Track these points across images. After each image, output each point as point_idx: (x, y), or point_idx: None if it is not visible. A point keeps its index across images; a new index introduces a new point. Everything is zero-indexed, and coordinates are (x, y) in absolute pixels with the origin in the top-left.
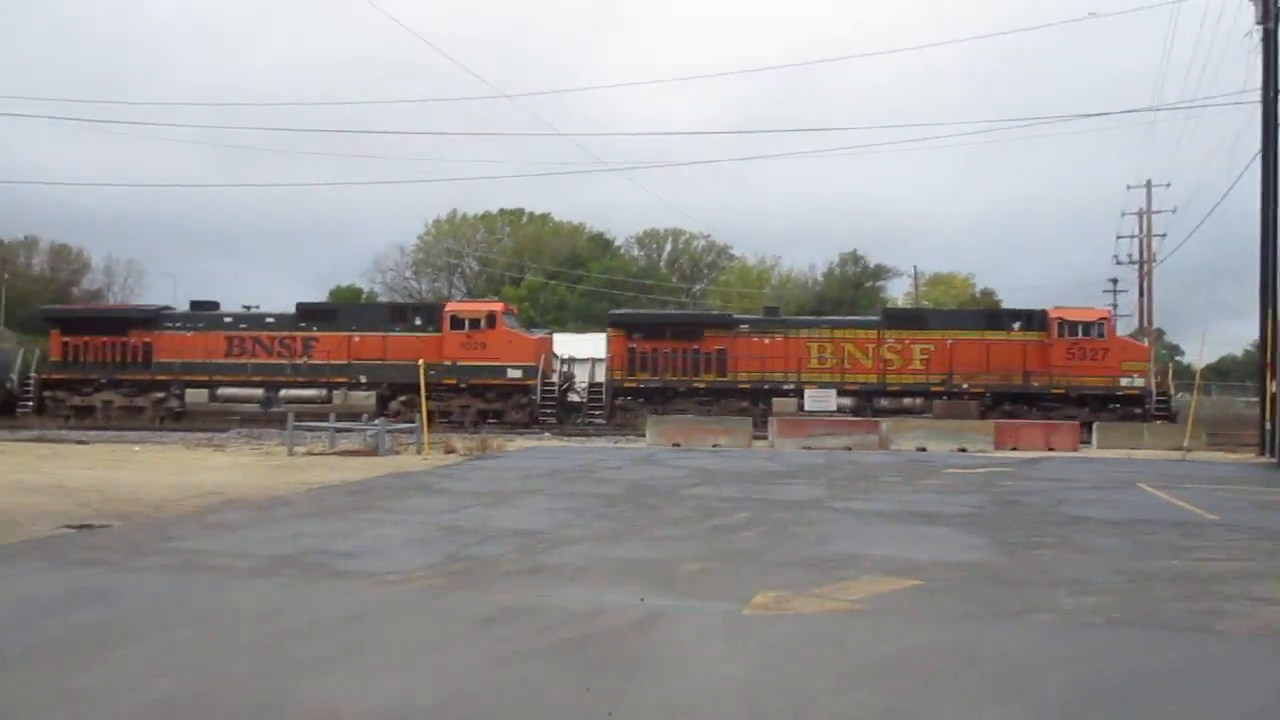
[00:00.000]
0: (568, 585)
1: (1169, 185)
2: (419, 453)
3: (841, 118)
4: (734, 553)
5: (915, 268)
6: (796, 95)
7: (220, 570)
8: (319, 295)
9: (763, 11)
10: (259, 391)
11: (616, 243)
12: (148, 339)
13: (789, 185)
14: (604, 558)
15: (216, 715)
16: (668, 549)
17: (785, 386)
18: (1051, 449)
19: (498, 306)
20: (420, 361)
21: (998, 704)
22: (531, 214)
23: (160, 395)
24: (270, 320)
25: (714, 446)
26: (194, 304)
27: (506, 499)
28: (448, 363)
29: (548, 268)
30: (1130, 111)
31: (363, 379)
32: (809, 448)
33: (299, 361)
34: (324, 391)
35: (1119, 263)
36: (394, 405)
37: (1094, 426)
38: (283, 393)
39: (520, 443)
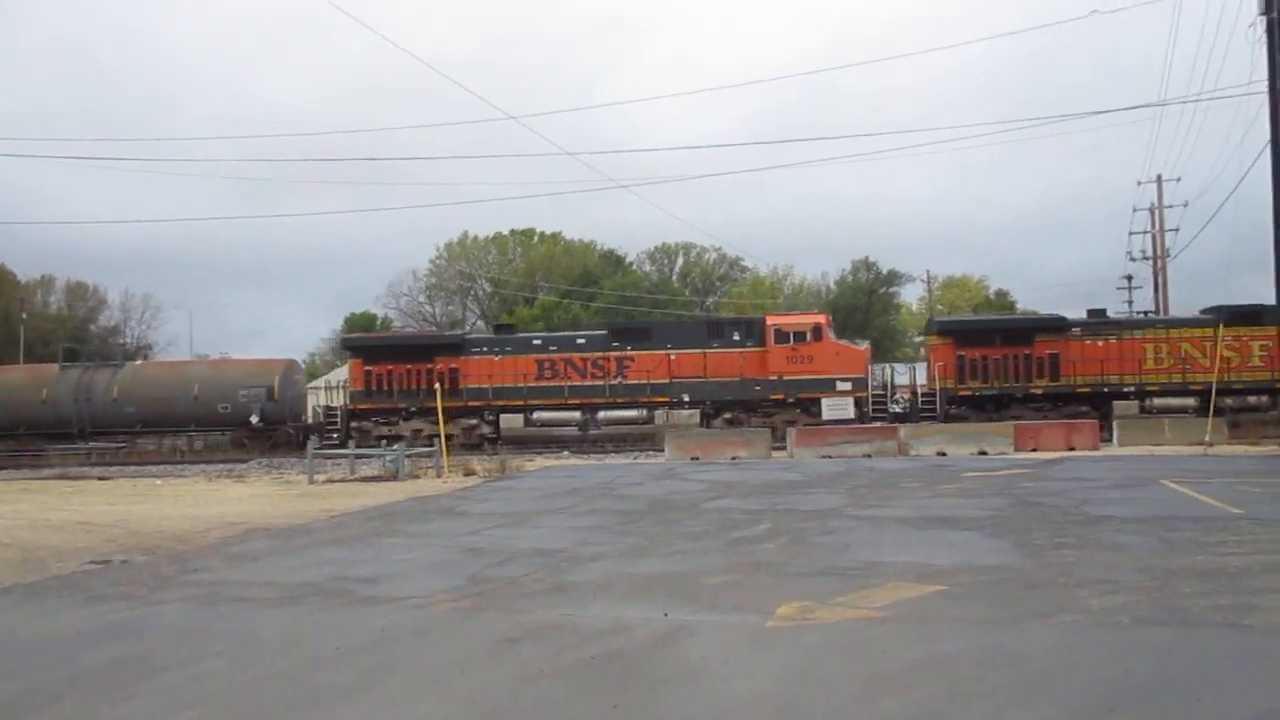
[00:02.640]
0: (591, 603)
1: (1179, 179)
2: (439, 476)
3: (848, 126)
4: (756, 564)
5: (928, 272)
6: (805, 106)
7: (244, 601)
8: (335, 322)
9: (767, 26)
10: (576, 414)
11: (628, 259)
12: (454, 365)
13: (799, 195)
14: (626, 574)
15: None
16: (690, 563)
17: (1125, 389)
18: (1072, 448)
19: (822, 318)
20: (436, 386)
21: (1026, 707)
22: (542, 234)
23: (472, 422)
24: (581, 341)
25: (733, 459)
26: (497, 328)
27: (528, 519)
28: (773, 377)
29: (560, 286)
30: (1137, 107)
31: (685, 397)
32: (828, 456)
33: (614, 382)
34: (644, 412)
35: (1133, 259)
36: (717, 422)
37: (1115, 423)
38: (601, 414)
39: (540, 462)
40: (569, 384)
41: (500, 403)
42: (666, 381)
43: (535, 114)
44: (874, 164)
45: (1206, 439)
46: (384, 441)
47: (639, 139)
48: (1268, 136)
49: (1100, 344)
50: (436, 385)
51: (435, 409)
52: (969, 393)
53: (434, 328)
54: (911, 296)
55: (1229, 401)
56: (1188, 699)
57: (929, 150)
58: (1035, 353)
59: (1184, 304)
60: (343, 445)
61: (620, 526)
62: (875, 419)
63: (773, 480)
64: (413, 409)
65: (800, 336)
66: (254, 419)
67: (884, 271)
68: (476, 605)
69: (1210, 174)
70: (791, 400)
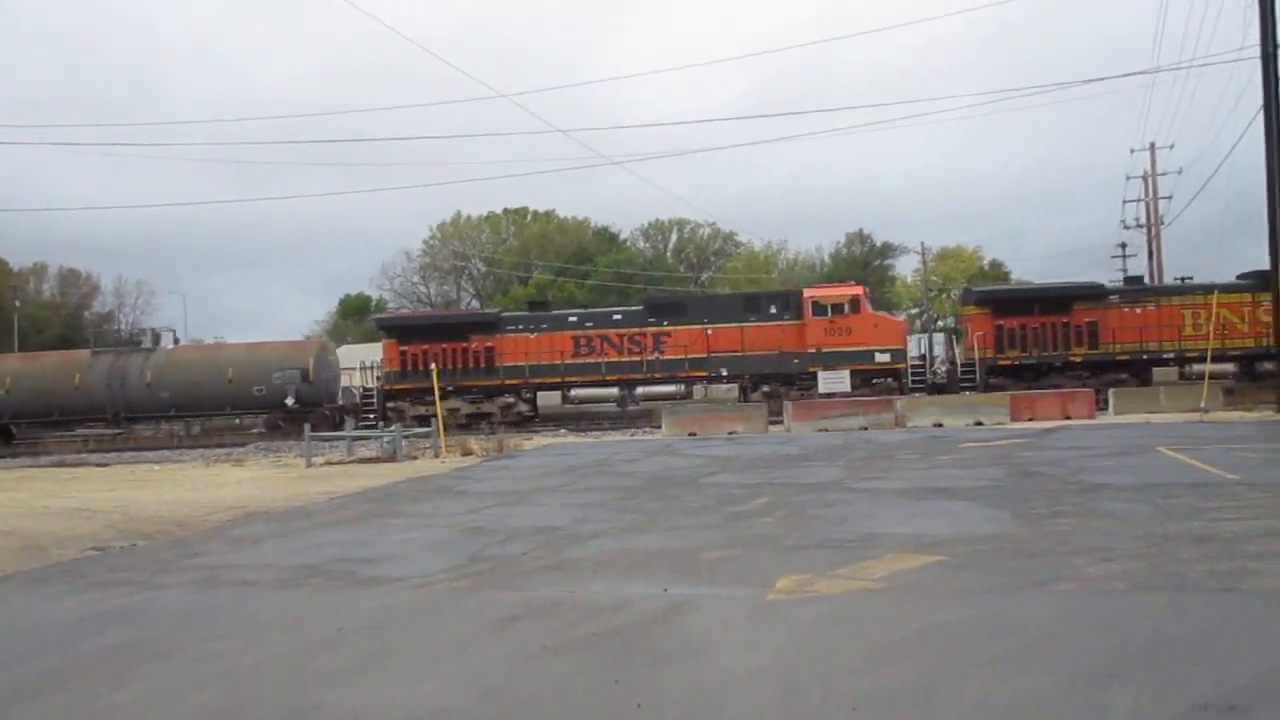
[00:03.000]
0: (591, 579)
1: (1173, 147)
2: (436, 456)
3: (841, 99)
4: (755, 538)
5: (923, 244)
6: (797, 79)
7: (245, 584)
8: (329, 304)
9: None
10: (614, 390)
11: (622, 236)
12: (489, 343)
13: (792, 168)
14: (625, 550)
15: None
16: (688, 538)
17: (1165, 356)
18: (1069, 418)
19: (860, 290)
20: (434, 366)
21: (1026, 674)
22: (535, 212)
23: (509, 400)
24: (618, 317)
25: (730, 434)
26: (531, 304)
27: (526, 497)
28: (811, 350)
29: (554, 264)
30: (1129, 75)
31: (723, 371)
32: (825, 430)
33: (651, 357)
34: (682, 387)
35: (1126, 227)
36: (756, 396)
37: (1110, 392)
38: (639, 390)
39: (538, 440)
40: (606, 360)
41: (537, 380)
42: (704, 356)
43: (527, 91)
44: (867, 136)
45: (1202, 405)
46: (420, 422)
47: (631, 115)
48: (1260, 102)
49: (1139, 311)
50: (434, 366)
51: (471, 387)
52: (1008, 362)
53: (429, 308)
54: (906, 269)
55: (1269, 366)
56: (1186, 664)
57: (922, 121)
58: (1074, 320)
59: (1180, 271)
60: (379, 426)
61: (619, 503)
62: (915, 390)
63: (770, 454)
64: (449, 388)
65: (838, 309)
66: (289, 401)
67: (878, 244)
68: (476, 584)
69: (1204, 141)
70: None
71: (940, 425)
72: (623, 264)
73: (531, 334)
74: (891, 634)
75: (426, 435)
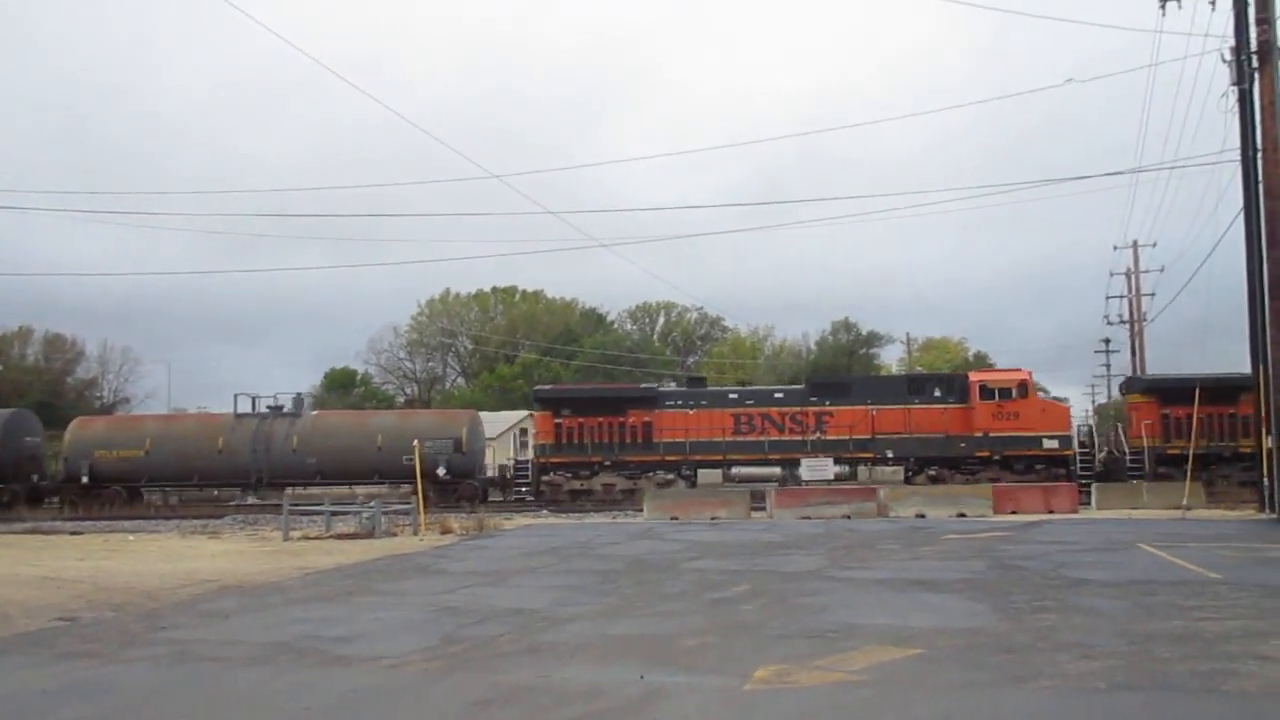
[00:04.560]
0: (567, 664)
1: (1155, 245)
2: (415, 534)
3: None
4: (734, 626)
5: (908, 334)
6: (789, 170)
7: (215, 660)
8: (314, 377)
9: (751, 91)
10: (776, 470)
11: (610, 317)
12: (647, 418)
13: (781, 255)
14: (603, 635)
15: None
16: (667, 624)
17: None
18: (1051, 511)
19: (1026, 375)
20: (416, 442)
21: None
22: (524, 291)
23: (669, 476)
24: (779, 396)
25: (712, 519)
26: (689, 380)
27: (504, 578)
28: (978, 434)
29: (541, 344)
30: (1113, 174)
31: (889, 453)
32: (807, 517)
33: (813, 437)
34: (846, 468)
35: (1110, 323)
36: (920, 479)
37: (1094, 487)
38: (803, 470)
39: (519, 520)
40: (768, 439)
41: (698, 457)
42: (869, 437)
43: (518, 173)
44: (856, 226)
45: (1184, 503)
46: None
47: (621, 198)
48: (1240, 205)
49: None
50: (416, 442)
51: (628, 462)
52: (1176, 451)
53: (415, 384)
54: (891, 358)
55: None
56: None
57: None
58: (1239, 411)
59: (1162, 369)
60: (533, 500)
61: (598, 586)
62: (1083, 478)
63: (752, 541)
64: (605, 462)
65: (1005, 393)
66: (441, 471)
67: (864, 332)
68: (450, 666)
69: (1186, 239)
70: (997, 458)
71: (923, 516)
72: (609, 345)
73: (690, 410)
74: None
75: (406, 512)
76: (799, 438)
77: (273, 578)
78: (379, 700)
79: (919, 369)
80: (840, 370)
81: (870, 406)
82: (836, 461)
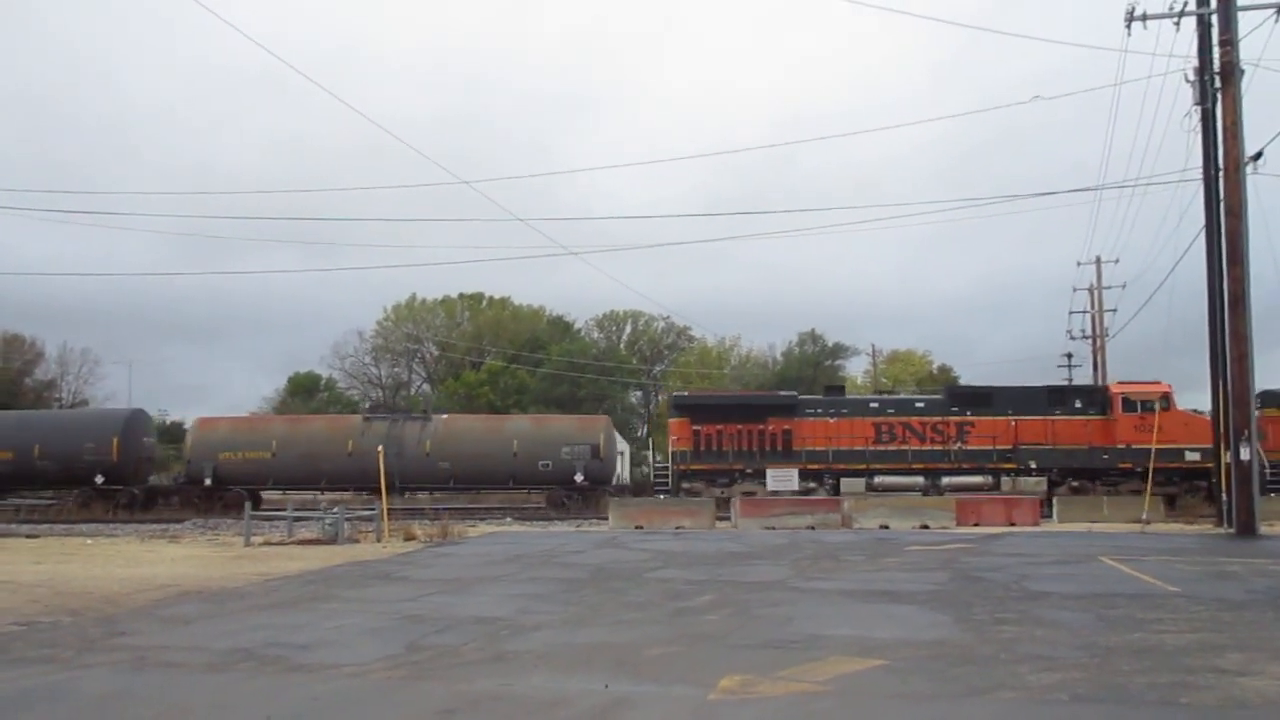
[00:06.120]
0: (531, 673)
1: (1118, 261)
2: (379, 540)
3: (800, 202)
4: (699, 636)
5: (873, 346)
6: (757, 181)
7: (173, 666)
8: (278, 381)
9: (721, 102)
10: (919, 479)
11: (576, 325)
12: (787, 426)
13: (748, 266)
14: (567, 644)
15: None
16: (632, 633)
17: None
18: (1013, 524)
19: (1167, 387)
20: (380, 448)
21: None
22: (491, 298)
23: (810, 485)
24: (920, 405)
25: (677, 529)
26: (828, 389)
27: (468, 586)
28: (1120, 446)
29: (507, 351)
30: (1078, 190)
31: (1032, 464)
32: (772, 528)
33: (955, 447)
34: (989, 478)
35: (1073, 338)
36: (1062, 490)
37: (1055, 500)
38: (945, 480)
39: (483, 528)
40: (910, 449)
41: (841, 466)
42: (1011, 448)
43: (487, 179)
44: (822, 238)
45: (1144, 517)
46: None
47: (590, 206)
48: (1201, 222)
49: None
50: (379, 449)
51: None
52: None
53: (381, 389)
54: (857, 369)
55: None
56: None
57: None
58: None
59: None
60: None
61: (562, 595)
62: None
63: (716, 551)
64: (746, 469)
65: (1148, 406)
66: (578, 477)
67: (830, 344)
68: (413, 674)
69: (1148, 256)
70: (1139, 470)
71: (886, 527)
72: (575, 354)
73: (831, 418)
74: None
75: (369, 518)
76: (940, 447)
77: (234, 583)
78: (342, 708)
79: (884, 380)
80: (806, 382)
81: (1011, 417)
82: (978, 472)
